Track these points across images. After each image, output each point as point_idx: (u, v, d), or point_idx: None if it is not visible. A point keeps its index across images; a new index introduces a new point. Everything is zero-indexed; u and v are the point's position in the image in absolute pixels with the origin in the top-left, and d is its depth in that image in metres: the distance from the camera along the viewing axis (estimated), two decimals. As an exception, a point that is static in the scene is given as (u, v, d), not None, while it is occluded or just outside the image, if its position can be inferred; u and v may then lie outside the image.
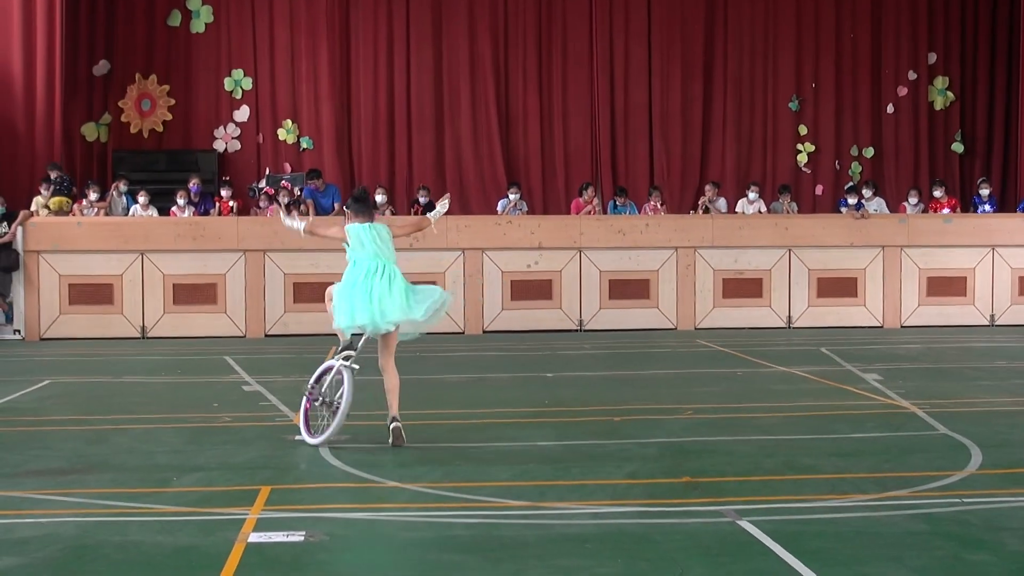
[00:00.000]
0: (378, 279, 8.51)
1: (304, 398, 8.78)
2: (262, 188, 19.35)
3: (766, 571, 5.55)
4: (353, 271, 8.62)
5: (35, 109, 18.99)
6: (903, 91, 22.06)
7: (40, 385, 12.09)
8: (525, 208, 19.13)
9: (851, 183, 20.66)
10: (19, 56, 18.96)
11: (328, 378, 8.72)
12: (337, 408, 8.51)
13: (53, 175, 17.51)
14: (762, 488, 7.26)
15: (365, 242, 8.62)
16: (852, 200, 18.73)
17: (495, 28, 21.23)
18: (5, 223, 16.83)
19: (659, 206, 18.74)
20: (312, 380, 8.77)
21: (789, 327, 18.05)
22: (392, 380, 8.58)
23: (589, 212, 18.46)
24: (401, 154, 20.99)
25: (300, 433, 8.72)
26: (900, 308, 18.21)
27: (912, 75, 22.06)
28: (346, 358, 8.65)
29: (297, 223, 9.04)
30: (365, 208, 8.79)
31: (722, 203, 19.17)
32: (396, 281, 8.55)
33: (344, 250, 8.75)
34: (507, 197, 18.96)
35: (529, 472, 7.73)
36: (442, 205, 9.24)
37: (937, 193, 19.17)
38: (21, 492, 7.19)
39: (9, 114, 19.03)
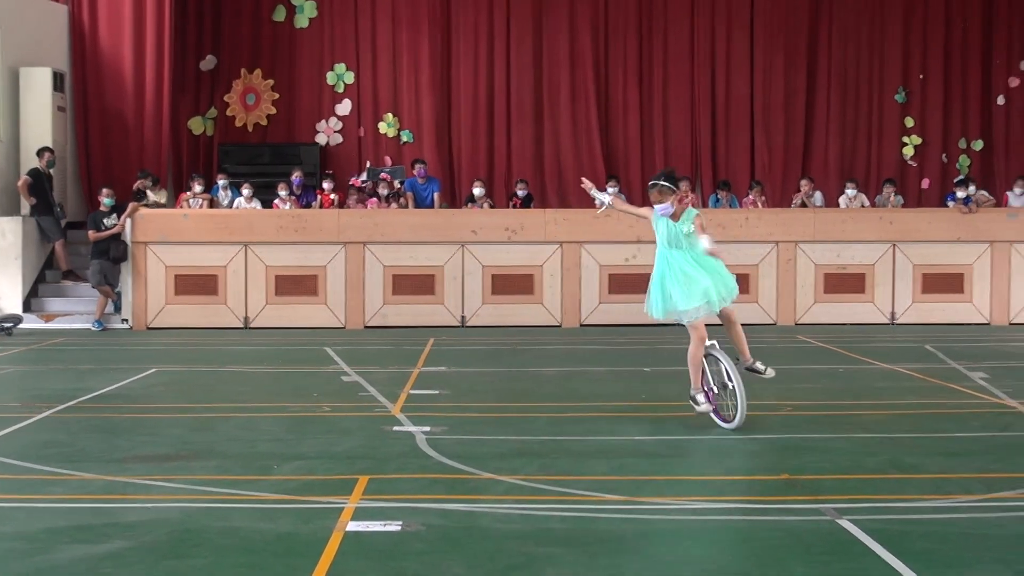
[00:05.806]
0: None
1: (702, 394, 8.99)
2: (365, 182, 19.55)
3: (868, 571, 5.44)
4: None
5: (145, 103, 19.56)
6: (1015, 82, 21.46)
7: (147, 373, 12.39)
8: (624, 201, 19.01)
9: (960, 177, 20.17)
10: (130, 52, 19.57)
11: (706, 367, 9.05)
12: (733, 388, 8.75)
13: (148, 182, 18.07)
14: (863, 487, 7.12)
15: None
16: (961, 194, 18.28)
17: (595, 20, 21.15)
18: (115, 215, 17.27)
19: (759, 203, 18.48)
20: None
21: (892, 323, 17.69)
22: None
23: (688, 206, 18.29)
24: (500, 147, 21.04)
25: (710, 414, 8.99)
26: (1009, 305, 17.73)
27: (1024, 65, 21.49)
28: (710, 345, 9.12)
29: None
30: None
31: (818, 197, 18.84)
32: None
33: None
34: (606, 190, 18.82)
35: (626, 466, 7.69)
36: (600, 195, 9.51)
37: None
38: (129, 477, 7.37)
39: (120, 108, 19.62)
